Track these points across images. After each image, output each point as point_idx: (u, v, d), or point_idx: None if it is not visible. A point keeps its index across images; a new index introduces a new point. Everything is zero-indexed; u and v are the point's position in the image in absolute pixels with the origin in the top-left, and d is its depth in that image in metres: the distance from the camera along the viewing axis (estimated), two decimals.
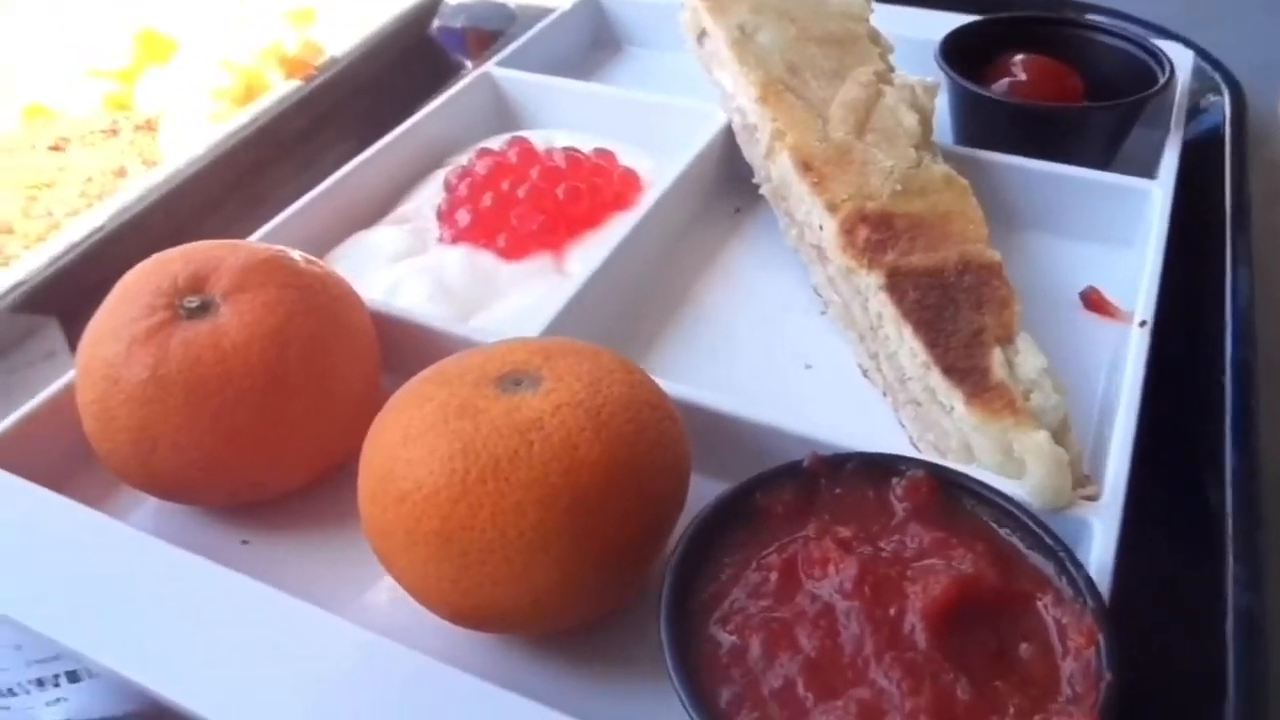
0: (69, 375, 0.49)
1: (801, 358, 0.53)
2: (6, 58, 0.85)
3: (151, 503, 0.47)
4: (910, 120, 0.54)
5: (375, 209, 0.65)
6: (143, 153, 0.72)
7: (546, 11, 0.84)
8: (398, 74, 0.89)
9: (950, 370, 0.42)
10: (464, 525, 0.33)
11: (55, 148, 0.72)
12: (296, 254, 0.47)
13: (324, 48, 0.80)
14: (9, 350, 0.60)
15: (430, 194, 0.65)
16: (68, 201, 0.66)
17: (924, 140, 0.54)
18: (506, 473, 0.34)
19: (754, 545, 0.35)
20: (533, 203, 0.58)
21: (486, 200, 0.58)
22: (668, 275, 0.59)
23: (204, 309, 0.43)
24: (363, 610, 0.41)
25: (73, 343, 0.63)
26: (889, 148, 0.53)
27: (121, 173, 0.70)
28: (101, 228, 0.62)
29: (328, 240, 0.61)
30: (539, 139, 0.65)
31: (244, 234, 0.58)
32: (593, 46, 0.87)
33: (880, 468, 0.37)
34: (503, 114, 0.75)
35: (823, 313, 0.56)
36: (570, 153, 0.61)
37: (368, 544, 0.39)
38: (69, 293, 0.61)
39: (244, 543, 0.46)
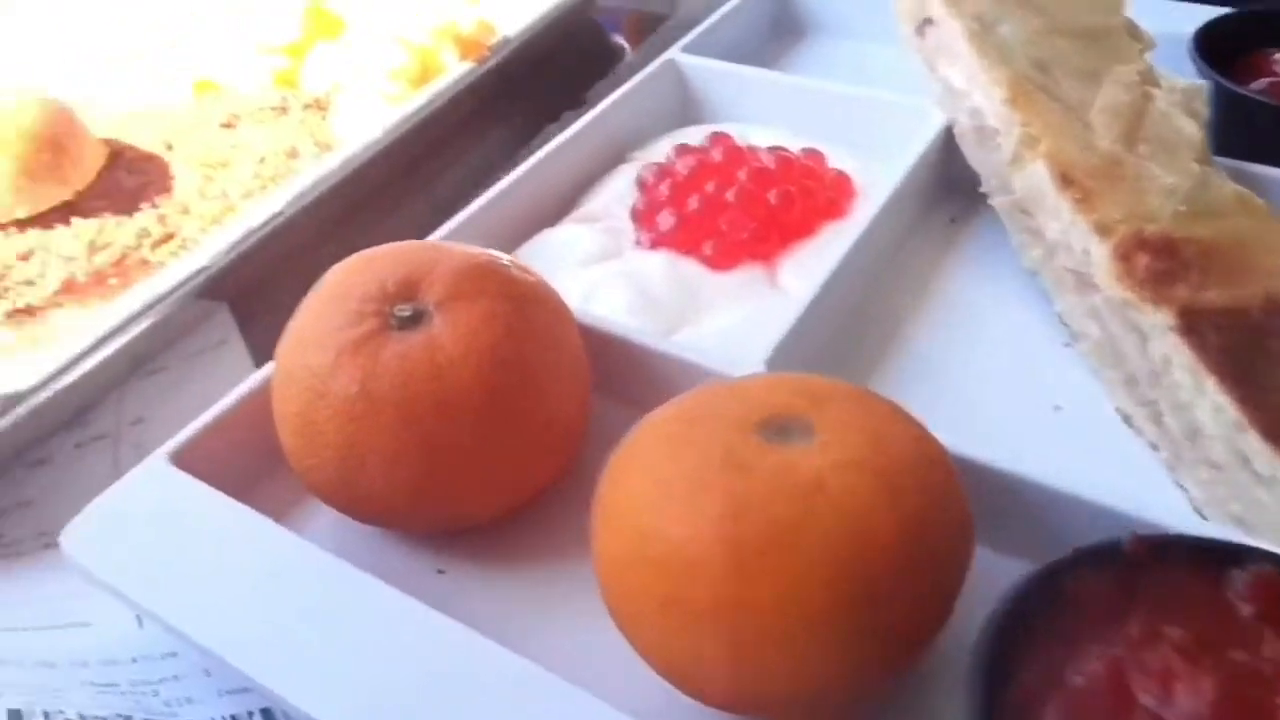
0: (256, 376, 0.46)
1: (1048, 398, 0.47)
2: (177, 31, 0.83)
3: (334, 515, 0.44)
4: (1190, 129, 0.47)
5: (560, 205, 0.61)
6: (314, 133, 0.69)
7: None
8: (564, 56, 0.85)
9: (1274, 435, 0.36)
10: (738, 603, 0.29)
11: (227, 125, 0.70)
12: (506, 259, 0.43)
13: (496, 27, 0.76)
14: (180, 336, 0.57)
15: (619, 191, 0.60)
16: (242, 182, 0.64)
17: (1204, 153, 0.48)
18: (790, 542, 0.29)
19: (1066, 642, 0.30)
20: (743, 208, 0.53)
21: (692, 203, 0.53)
22: (884, 295, 0.54)
23: (416, 319, 0.39)
24: (570, 659, 0.37)
25: (244, 329, 0.61)
26: (1168, 161, 0.46)
27: (293, 153, 0.67)
28: (280, 213, 0.60)
29: (513, 238, 0.58)
30: (735, 135, 0.60)
31: (421, 223, 0.54)
32: (773, 33, 0.82)
33: (1212, 555, 0.32)
34: (688, 105, 0.70)
35: (1068, 345, 0.49)
36: (779, 152, 0.56)
37: (570, 581, 0.35)
38: (242, 279, 0.59)
39: (440, 572, 0.42)
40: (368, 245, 0.44)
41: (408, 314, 0.39)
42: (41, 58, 0.80)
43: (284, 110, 0.73)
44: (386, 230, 0.49)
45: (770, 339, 0.45)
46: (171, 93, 0.76)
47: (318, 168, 0.63)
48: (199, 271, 0.56)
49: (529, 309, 0.41)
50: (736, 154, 0.56)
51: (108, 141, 0.66)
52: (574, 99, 0.78)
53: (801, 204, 0.54)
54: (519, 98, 0.78)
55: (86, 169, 0.61)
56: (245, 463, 0.44)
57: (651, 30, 0.92)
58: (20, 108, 0.59)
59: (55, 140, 0.60)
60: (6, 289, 0.55)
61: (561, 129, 0.63)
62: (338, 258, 0.44)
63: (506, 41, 0.76)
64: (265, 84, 0.79)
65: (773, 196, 0.53)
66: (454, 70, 0.72)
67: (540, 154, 0.60)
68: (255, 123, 0.71)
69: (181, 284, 0.55)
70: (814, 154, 0.57)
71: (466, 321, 0.39)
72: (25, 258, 0.57)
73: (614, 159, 0.65)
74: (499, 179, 0.58)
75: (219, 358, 0.59)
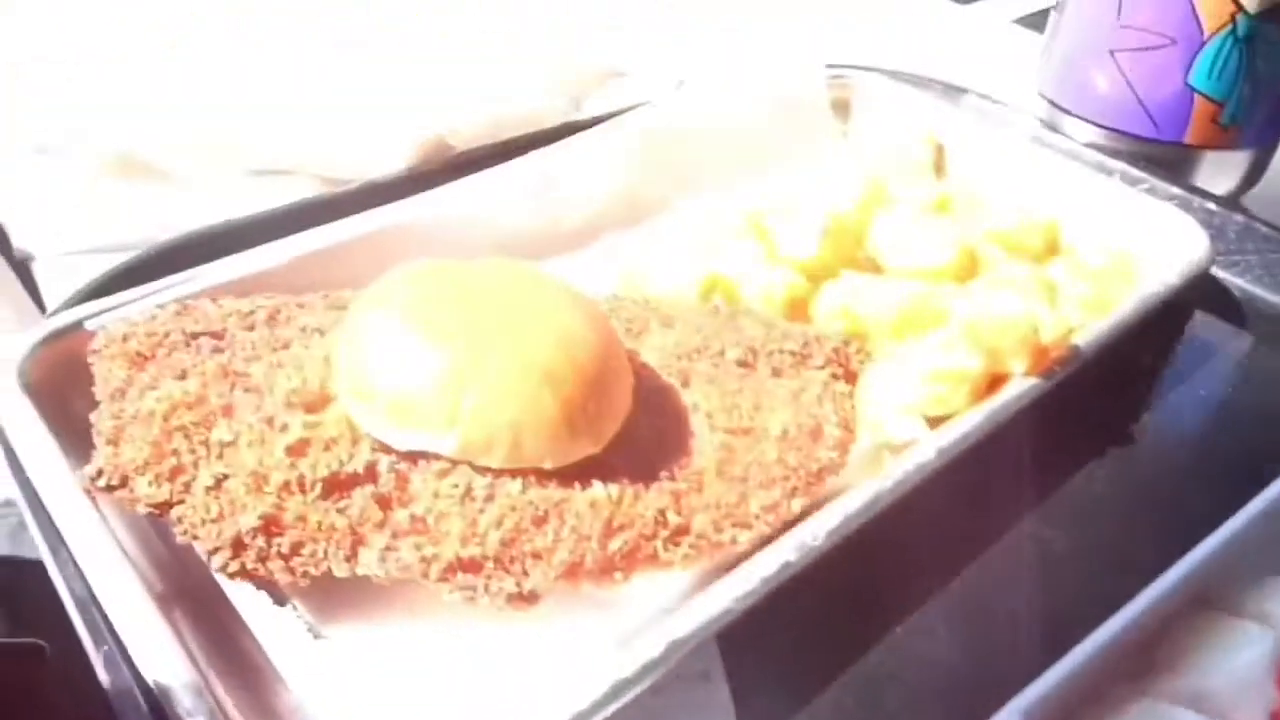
0: None
1: None
2: None
3: None
4: None
5: None
6: (838, 407, 0.60)
7: None
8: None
9: None
10: None
11: (744, 363, 0.62)
12: None
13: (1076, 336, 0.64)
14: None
15: None
16: (764, 467, 0.55)
17: None
18: None
19: None
20: None
21: None
22: None
23: None
24: None
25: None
26: None
27: (816, 433, 0.58)
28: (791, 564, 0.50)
29: None
30: None
31: None
32: None
33: None
34: None
35: None
36: None
37: None
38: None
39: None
40: None
41: None
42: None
43: (804, 358, 0.64)
44: None
45: None
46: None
47: (850, 498, 0.53)
48: (707, 624, 0.47)
49: None
50: None
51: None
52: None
53: None
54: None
55: (618, 414, 0.54)
56: None
57: None
58: (572, 333, 0.52)
59: (603, 380, 0.52)
60: (511, 559, 0.48)
61: None
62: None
63: (1078, 354, 0.63)
64: (774, 297, 0.70)
65: None
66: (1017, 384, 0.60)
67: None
68: (772, 367, 0.63)
69: (684, 640, 0.46)
70: None
71: None
72: (540, 522, 0.49)
73: None
74: None
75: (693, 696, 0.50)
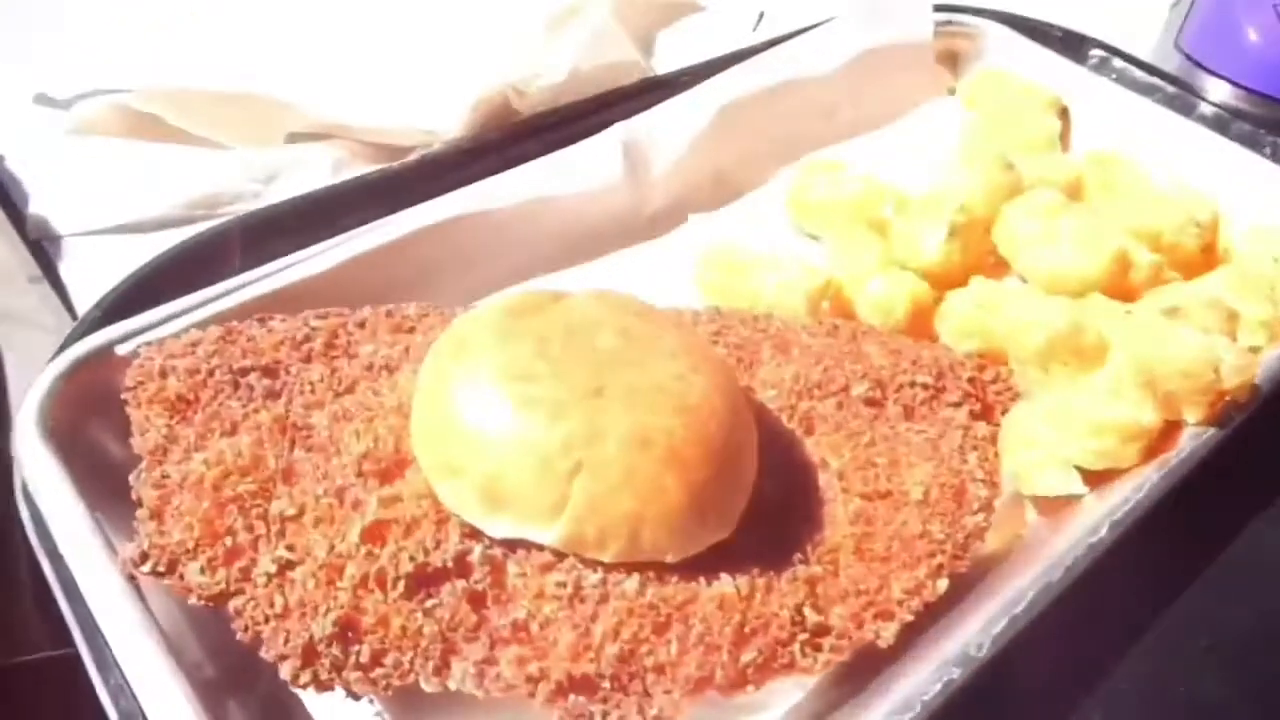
0: None
1: None
2: None
3: None
4: None
5: None
6: (982, 461, 0.52)
7: None
8: None
9: None
10: None
11: (870, 400, 0.54)
12: None
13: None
14: None
15: None
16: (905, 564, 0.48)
17: None
18: None
19: None
20: None
21: None
22: None
23: None
24: None
25: None
26: None
27: (961, 492, 0.51)
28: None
29: None
30: None
31: None
32: None
33: None
34: None
35: None
36: None
37: None
38: None
39: None
40: None
41: None
42: None
43: (938, 392, 0.55)
44: None
45: None
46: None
47: (1012, 591, 0.45)
48: None
49: None
50: None
51: None
52: None
53: None
54: None
55: (746, 488, 0.46)
56: None
57: None
58: (697, 397, 0.44)
59: (732, 453, 0.44)
60: (630, 675, 0.41)
61: None
62: None
63: (1257, 394, 0.55)
64: (894, 307, 0.62)
65: None
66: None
67: None
68: (903, 405, 0.54)
69: None
70: None
71: None
72: (661, 629, 0.42)
73: None
74: None
75: None
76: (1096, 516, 0.49)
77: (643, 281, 0.67)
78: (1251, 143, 0.75)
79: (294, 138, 0.76)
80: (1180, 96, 0.80)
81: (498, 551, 0.43)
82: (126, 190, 0.72)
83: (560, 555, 0.43)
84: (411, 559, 0.42)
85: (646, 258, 0.70)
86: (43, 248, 0.72)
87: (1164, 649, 0.50)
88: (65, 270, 0.71)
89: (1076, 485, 0.53)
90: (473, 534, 0.43)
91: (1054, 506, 0.54)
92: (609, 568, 0.43)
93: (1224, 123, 0.77)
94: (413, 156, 0.72)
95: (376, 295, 0.58)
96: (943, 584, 0.47)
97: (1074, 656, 0.48)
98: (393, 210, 0.63)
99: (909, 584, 0.47)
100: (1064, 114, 0.80)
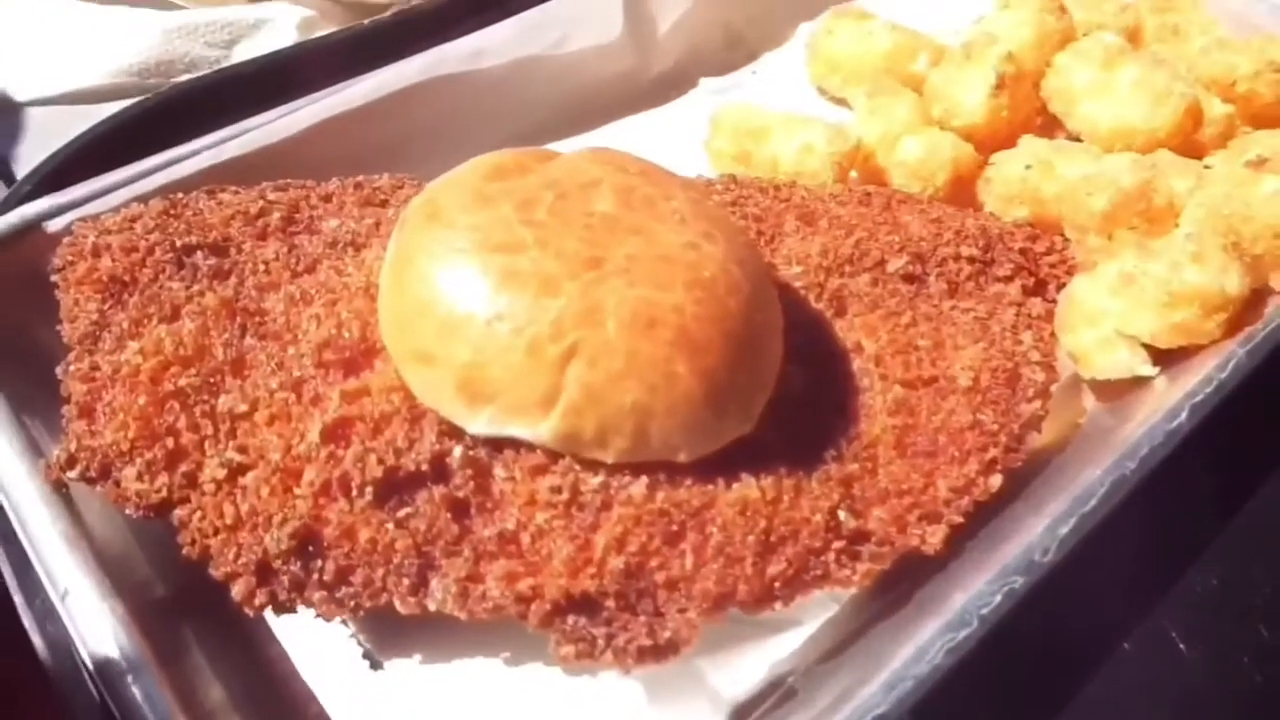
0: None
1: None
2: None
3: None
4: None
5: None
6: None
7: None
8: None
9: None
10: None
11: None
12: None
13: None
14: None
15: None
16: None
17: None
18: None
19: None
20: None
21: None
22: None
23: None
24: None
25: None
26: None
27: None
28: None
29: None
30: None
31: None
32: None
33: None
34: None
35: None
36: None
37: None
38: None
39: None
40: None
41: None
42: None
43: (985, 265, 0.48)
44: None
45: None
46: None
47: (1084, 486, 0.39)
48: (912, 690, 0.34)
49: None
50: None
51: None
52: None
53: None
54: None
55: (771, 376, 0.39)
56: None
57: None
58: (711, 268, 0.37)
59: (754, 334, 0.38)
60: (638, 593, 0.35)
61: None
62: None
63: None
64: (934, 173, 0.54)
65: None
66: None
67: None
68: (947, 280, 0.47)
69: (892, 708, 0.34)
70: None
71: None
72: (675, 539, 0.36)
73: None
74: None
75: None
76: (1174, 399, 0.43)
77: (648, 150, 0.59)
78: None
79: None
80: None
81: (481, 452, 0.37)
82: (73, 56, 0.65)
83: (555, 456, 0.36)
84: (380, 461, 0.36)
85: (652, 124, 0.62)
86: None
87: (1245, 547, 0.45)
88: (5, 145, 0.64)
89: (1146, 365, 0.46)
90: (452, 432, 0.37)
91: (1116, 391, 0.48)
92: (612, 469, 0.36)
93: None
94: (389, 14, 0.64)
95: (346, 167, 0.51)
96: (996, 481, 0.41)
97: (1147, 559, 0.42)
98: (367, 73, 0.55)
99: (958, 481, 0.41)
100: None
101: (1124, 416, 0.47)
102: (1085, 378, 0.48)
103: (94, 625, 0.35)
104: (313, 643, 0.40)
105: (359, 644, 0.40)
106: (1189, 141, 0.55)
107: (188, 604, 0.40)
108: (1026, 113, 0.58)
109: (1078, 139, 0.58)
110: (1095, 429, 0.47)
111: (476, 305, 0.35)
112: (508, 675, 0.39)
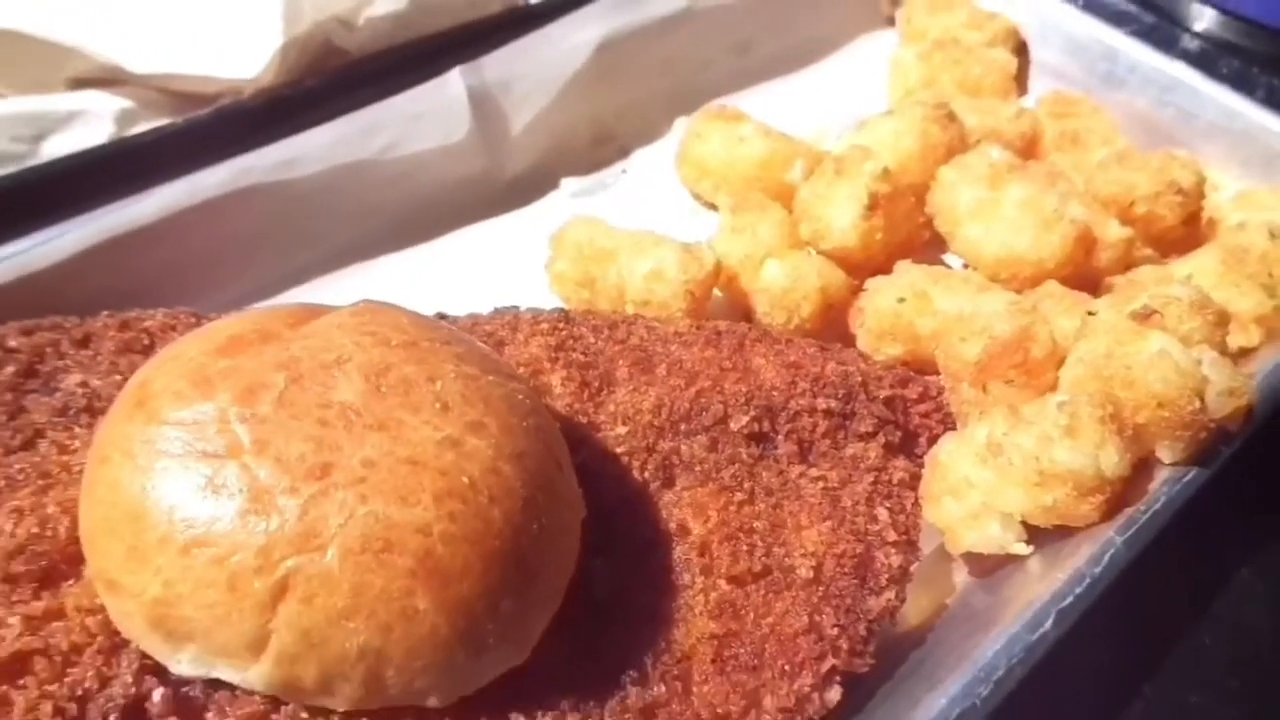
0: None
1: None
2: None
3: None
4: None
5: None
6: None
7: None
8: None
9: None
10: None
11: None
12: None
13: None
14: None
15: None
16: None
17: None
18: None
19: None
20: None
21: None
22: None
23: None
24: None
25: None
26: None
27: None
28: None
29: None
30: None
31: None
32: None
33: None
34: None
35: None
36: None
37: None
38: None
39: None
40: None
41: None
42: None
43: (844, 420, 0.43)
44: None
45: None
46: None
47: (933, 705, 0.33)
48: None
49: None
50: None
51: None
52: None
53: None
54: None
55: (555, 592, 0.33)
56: None
57: None
58: (480, 491, 0.31)
59: (525, 561, 0.32)
60: None
61: None
62: None
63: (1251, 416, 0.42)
64: (799, 302, 0.49)
65: None
66: None
67: None
68: (798, 439, 0.41)
69: None
70: None
71: None
72: None
73: None
74: None
75: None
76: (1040, 600, 0.37)
77: (491, 264, 0.54)
78: (1242, 84, 0.62)
79: (74, 84, 0.61)
80: (1160, 27, 0.66)
81: (195, 690, 0.30)
82: None
83: (277, 704, 0.30)
84: (58, 713, 0.29)
85: (503, 231, 0.56)
86: None
87: None
88: None
89: (1020, 544, 0.40)
90: (155, 669, 0.30)
91: (990, 565, 0.42)
92: (348, 716, 0.30)
93: (1210, 59, 0.64)
94: (213, 108, 0.57)
95: (125, 298, 0.44)
96: (834, 694, 0.36)
97: None
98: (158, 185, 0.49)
99: (787, 700, 0.35)
100: (1022, 50, 0.67)
101: (998, 595, 0.41)
102: (954, 552, 0.42)
103: None
104: None
105: None
106: (1083, 269, 0.50)
107: None
108: (907, 231, 0.52)
109: (964, 263, 0.53)
110: (964, 611, 0.42)
111: (171, 528, 0.29)
112: None
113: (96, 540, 0.30)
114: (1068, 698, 0.38)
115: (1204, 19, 0.71)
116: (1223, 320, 0.43)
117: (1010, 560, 0.41)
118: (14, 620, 0.31)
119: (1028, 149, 0.58)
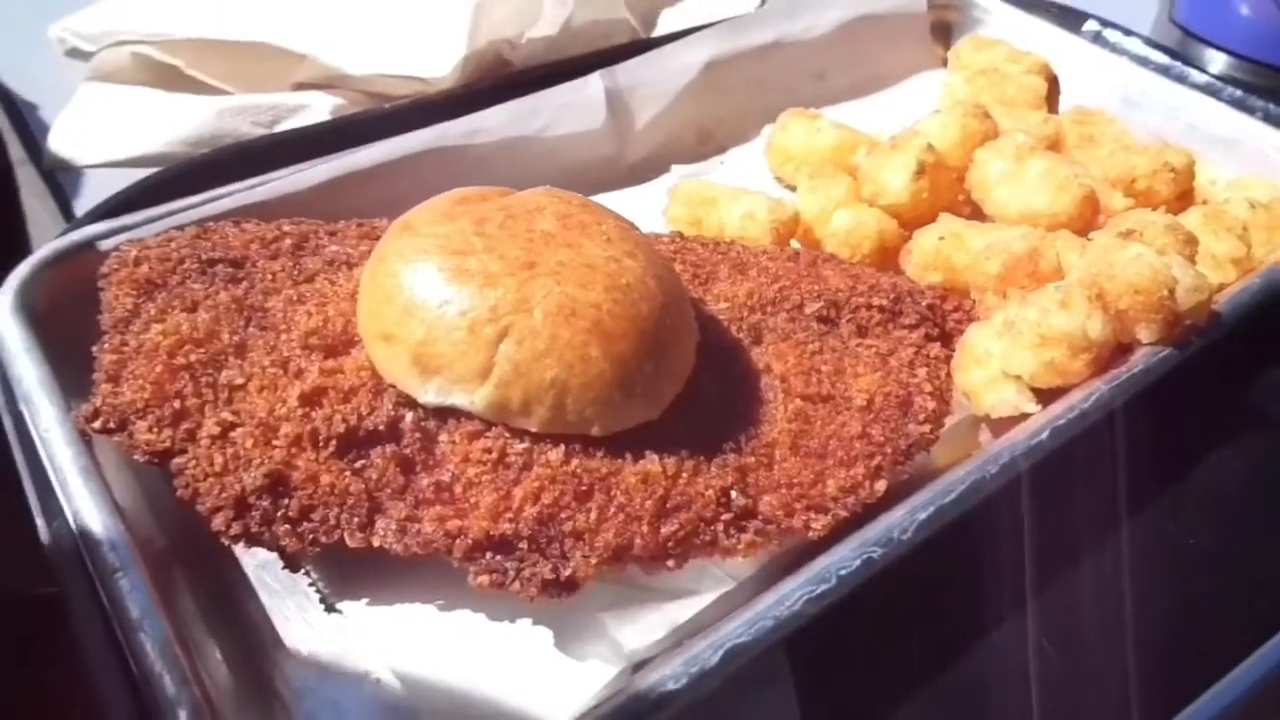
0: None
1: None
2: None
3: None
4: None
5: None
6: None
7: None
8: None
9: None
10: None
11: (823, 317, 0.54)
12: None
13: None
14: None
15: None
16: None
17: None
18: None
19: None
20: None
21: None
22: None
23: None
24: None
25: None
26: None
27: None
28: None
29: None
30: None
31: None
32: None
33: None
34: None
35: None
36: None
37: None
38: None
39: None
40: None
41: None
42: None
43: (894, 315, 0.56)
44: None
45: None
46: None
47: (946, 483, 0.46)
48: (775, 628, 0.40)
49: None
50: None
51: None
52: None
53: None
54: None
55: (679, 375, 0.47)
56: None
57: None
58: (629, 278, 0.45)
59: (663, 335, 0.45)
60: (548, 539, 0.42)
61: None
62: None
63: (1220, 323, 0.54)
64: (861, 242, 0.62)
65: None
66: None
67: None
68: (857, 324, 0.55)
69: (746, 648, 0.40)
70: None
71: None
72: (583, 497, 0.43)
73: None
74: None
75: None
76: (1041, 423, 0.49)
77: None
78: (1243, 106, 0.75)
79: (299, 86, 0.78)
80: (1174, 66, 0.80)
81: (430, 421, 0.44)
82: (137, 129, 0.76)
83: (489, 424, 0.44)
84: (344, 421, 0.44)
85: (623, 198, 0.71)
86: (58, 182, 0.75)
87: (1099, 564, 0.50)
88: (79, 207, 0.75)
89: (1030, 403, 0.53)
90: (408, 404, 0.45)
91: (1008, 427, 0.54)
92: (536, 437, 0.44)
93: (1216, 90, 0.77)
94: (409, 98, 0.74)
95: (353, 217, 0.60)
96: (881, 485, 0.48)
97: (1004, 558, 0.48)
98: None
99: (845, 482, 0.47)
100: (1053, 81, 0.81)
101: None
102: (979, 414, 0.55)
103: (96, 528, 0.42)
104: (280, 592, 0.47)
105: (317, 590, 0.46)
106: (1089, 226, 0.63)
107: (181, 556, 0.47)
108: (949, 199, 0.66)
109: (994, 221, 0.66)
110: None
111: (431, 294, 0.43)
112: (439, 619, 0.45)
113: (377, 309, 0.45)
114: (1061, 493, 0.49)
115: (1214, 62, 0.84)
116: (1191, 240, 0.56)
117: (1023, 421, 0.53)
118: (313, 369, 0.46)
119: (1052, 148, 0.71)
